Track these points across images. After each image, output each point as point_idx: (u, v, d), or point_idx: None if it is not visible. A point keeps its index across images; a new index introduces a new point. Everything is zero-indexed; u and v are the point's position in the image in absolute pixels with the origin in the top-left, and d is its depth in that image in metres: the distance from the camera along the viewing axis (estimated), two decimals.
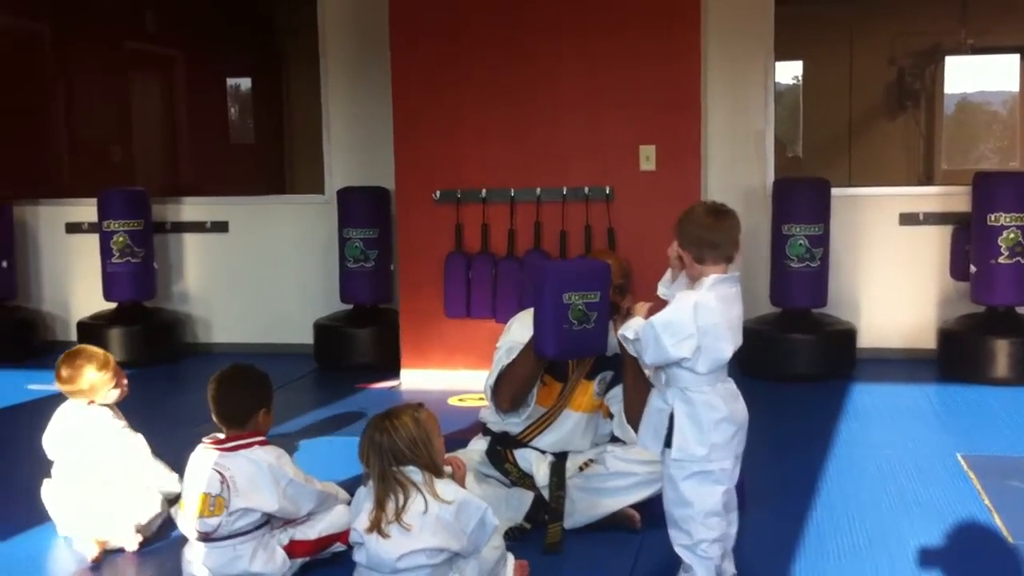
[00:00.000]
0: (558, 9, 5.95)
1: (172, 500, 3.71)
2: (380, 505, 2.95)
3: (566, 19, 5.95)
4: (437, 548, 2.95)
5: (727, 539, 3.15)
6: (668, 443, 3.05)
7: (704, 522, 3.06)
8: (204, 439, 3.40)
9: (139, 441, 3.91)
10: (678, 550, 3.12)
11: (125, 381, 3.94)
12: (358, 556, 3.03)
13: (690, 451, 3.02)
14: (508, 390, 3.67)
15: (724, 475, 3.07)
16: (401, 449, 2.97)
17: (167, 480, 3.90)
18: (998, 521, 3.78)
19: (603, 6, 5.91)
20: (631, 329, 3.08)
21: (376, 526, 2.94)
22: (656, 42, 5.87)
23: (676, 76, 5.88)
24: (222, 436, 3.39)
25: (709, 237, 3.06)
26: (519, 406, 3.71)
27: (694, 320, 2.98)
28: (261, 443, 3.39)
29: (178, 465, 3.60)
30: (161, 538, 3.78)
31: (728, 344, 3.04)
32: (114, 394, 3.89)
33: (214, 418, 3.43)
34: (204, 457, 3.34)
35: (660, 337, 2.99)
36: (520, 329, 3.71)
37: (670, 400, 3.06)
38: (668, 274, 3.20)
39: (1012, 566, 3.46)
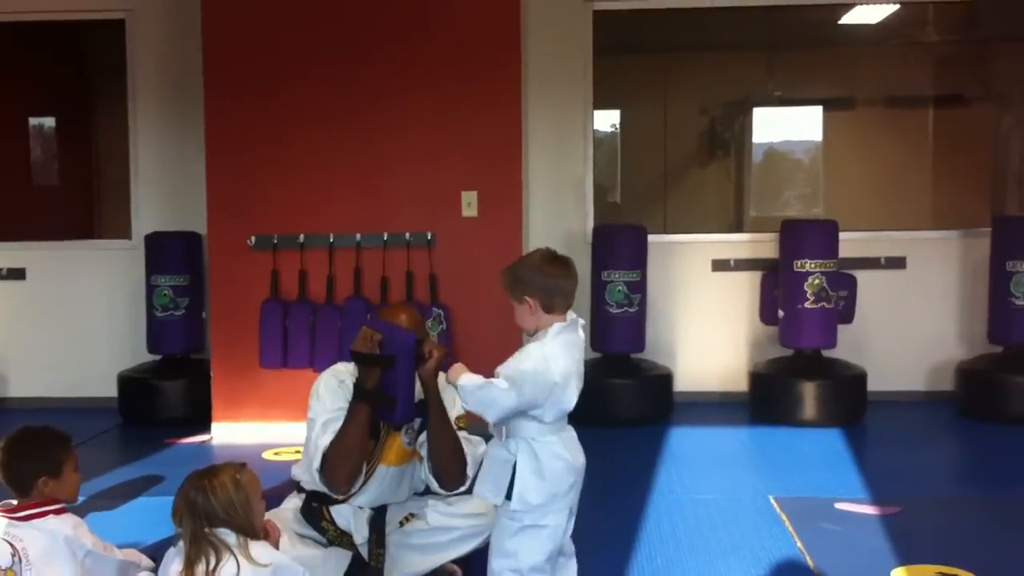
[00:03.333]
0: (380, 56, 5.92)
1: None
2: (190, 566, 2.79)
3: (388, 67, 5.92)
4: None
5: None
6: (509, 494, 3.01)
7: None
8: None
9: None
10: None
11: None
12: None
13: (528, 501, 2.99)
14: (344, 468, 3.45)
15: (557, 531, 3.05)
16: (216, 511, 2.82)
17: None
18: (810, 563, 3.86)
19: (425, 53, 5.91)
20: (471, 379, 3.00)
21: None
22: (478, 90, 5.91)
23: (498, 123, 5.93)
24: (15, 502, 3.17)
25: (560, 285, 3.05)
26: (356, 480, 3.55)
27: (549, 370, 2.96)
28: (56, 511, 3.17)
29: None
30: None
31: (574, 393, 3.04)
32: None
33: None
34: None
35: (535, 382, 2.94)
36: (330, 395, 3.54)
37: (514, 450, 3.01)
38: None
39: None
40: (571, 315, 3.10)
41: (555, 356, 2.98)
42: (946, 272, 6.80)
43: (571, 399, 3.03)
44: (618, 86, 8.75)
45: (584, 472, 3.12)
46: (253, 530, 2.89)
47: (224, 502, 2.81)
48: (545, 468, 3.00)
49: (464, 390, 3.00)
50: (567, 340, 3.04)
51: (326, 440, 3.45)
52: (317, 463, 3.47)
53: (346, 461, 3.44)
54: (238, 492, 2.84)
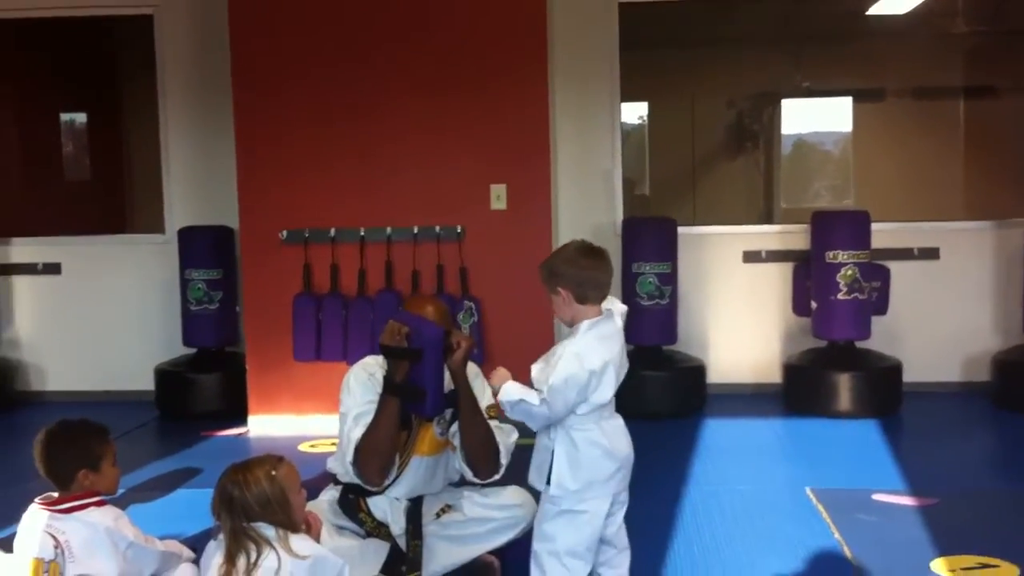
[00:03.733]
0: (410, 53, 5.92)
1: None
2: (231, 560, 2.81)
3: (418, 62, 5.93)
4: None
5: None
6: (549, 480, 3.06)
7: (563, 561, 3.06)
8: (37, 499, 3.19)
9: None
10: None
11: None
12: None
13: (565, 486, 3.03)
14: (376, 461, 3.45)
15: (595, 518, 3.07)
16: (251, 506, 2.84)
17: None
18: (848, 554, 3.85)
19: (453, 49, 5.91)
20: (509, 394, 3.05)
21: None
22: (506, 84, 5.91)
23: (526, 116, 5.93)
24: (56, 495, 3.19)
25: (593, 276, 3.07)
26: (389, 472, 3.57)
27: (584, 368, 2.99)
28: (97, 504, 3.19)
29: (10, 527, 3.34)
30: None
31: (609, 386, 3.06)
32: None
33: None
34: (36, 519, 3.14)
35: (566, 393, 2.98)
36: (361, 388, 3.55)
37: (552, 437, 3.07)
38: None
39: None
40: (608, 305, 3.11)
41: (588, 351, 3.02)
42: (980, 263, 6.74)
43: (606, 391, 3.05)
44: (645, 78, 8.73)
45: (631, 464, 3.13)
46: (291, 523, 2.90)
47: (259, 497, 2.83)
48: (581, 455, 3.04)
49: (504, 406, 3.09)
50: (600, 332, 3.06)
51: (358, 433, 3.46)
52: (350, 456, 3.49)
53: (378, 454, 3.45)
54: (273, 486, 2.86)
